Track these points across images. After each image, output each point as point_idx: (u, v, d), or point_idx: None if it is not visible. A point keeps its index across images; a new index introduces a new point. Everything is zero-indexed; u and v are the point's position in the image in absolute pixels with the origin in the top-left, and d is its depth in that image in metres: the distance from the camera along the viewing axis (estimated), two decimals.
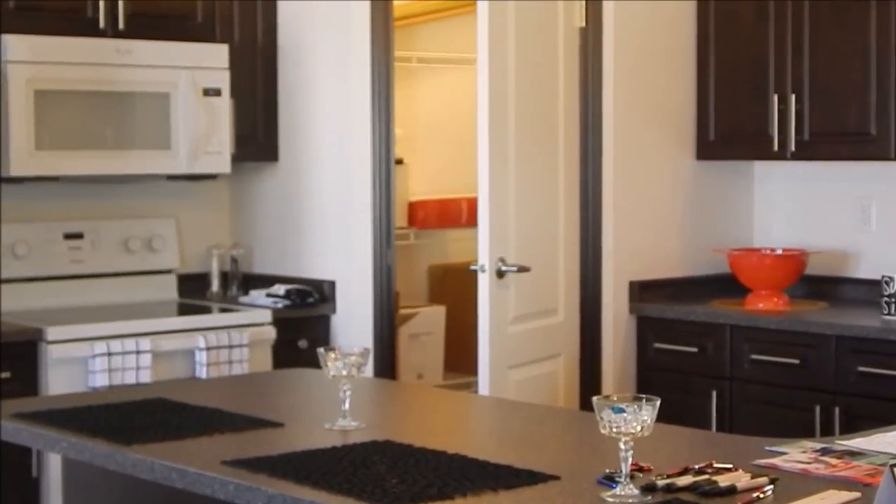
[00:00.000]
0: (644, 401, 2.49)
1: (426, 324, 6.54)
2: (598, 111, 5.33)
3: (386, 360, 5.37)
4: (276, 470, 2.68)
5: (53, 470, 4.67)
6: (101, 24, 5.20)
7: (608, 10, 5.32)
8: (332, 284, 5.51)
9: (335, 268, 5.52)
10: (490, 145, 4.64)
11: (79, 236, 5.47)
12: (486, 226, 4.64)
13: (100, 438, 3.03)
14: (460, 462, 2.74)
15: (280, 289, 5.48)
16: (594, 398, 2.53)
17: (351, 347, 3.21)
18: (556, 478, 2.62)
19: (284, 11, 5.69)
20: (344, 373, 3.13)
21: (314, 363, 3.57)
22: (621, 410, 2.47)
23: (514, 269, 4.70)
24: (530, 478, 2.61)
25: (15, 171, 4.97)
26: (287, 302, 5.41)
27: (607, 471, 2.58)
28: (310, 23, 5.60)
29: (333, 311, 5.49)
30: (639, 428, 2.47)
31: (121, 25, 5.23)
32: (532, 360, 4.90)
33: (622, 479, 2.47)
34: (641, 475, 2.59)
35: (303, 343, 5.37)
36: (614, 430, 2.47)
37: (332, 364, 3.14)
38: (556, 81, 5.06)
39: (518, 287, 4.76)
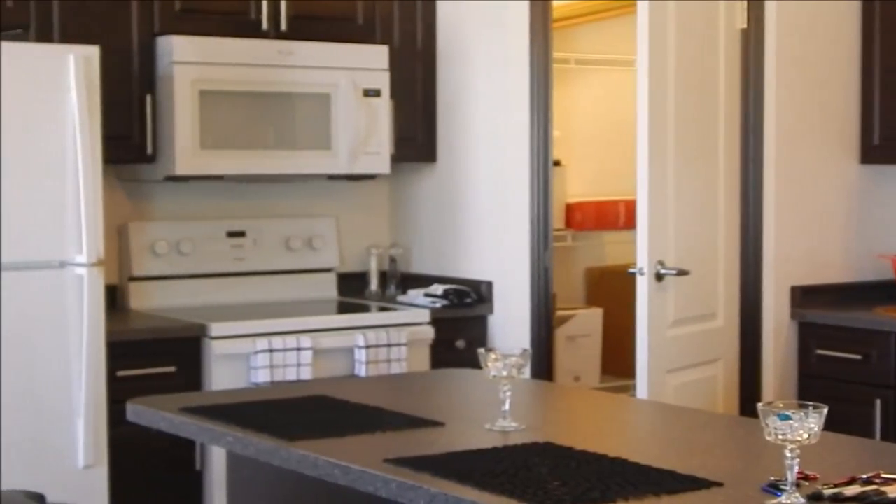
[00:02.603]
0: (811, 408, 2.45)
1: (583, 326, 6.51)
2: (759, 113, 5.25)
3: (543, 362, 5.37)
4: (437, 469, 2.69)
5: (217, 464, 4.77)
6: (264, 25, 5.29)
7: (770, 10, 5.24)
8: (489, 285, 5.53)
9: (492, 269, 5.54)
10: (649, 147, 4.60)
11: (241, 234, 5.57)
12: (644, 228, 4.61)
13: (264, 434, 3.08)
14: (622, 466, 2.72)
15: (438, 289, 5.51)
16: (759, 405, 2.50)
17: (510, 349, 3.22)
18: (719, 484, 2.59)
19: (443, 12, 5.72)
20: (504, 374, 3.13)
21: (471, 363, 3.59)
22: (787, 417, 2.44)
23: (674, 272, 4.65)
24: (693, 484, 2.59)
25: (180, 169, 5.08)
26: (445, 302, 5.44)
27: (772, 478, 2.55)
28: (468, 24, 5.62)
29: (491, 311, 5.51)
30: (805, 436, 2.43)
31: (283, 27, 5.31)
32: (690, 364, 4.85)
33: (788, 487, 2.44)
34: (807, 483, 2.55)
35: (460, 343, 5.39)
36: (780, 437, 2.44)
37: (493, 365, 3.14)
38: (716, 83, 5.00)
39: (677, 290, 4.72)
